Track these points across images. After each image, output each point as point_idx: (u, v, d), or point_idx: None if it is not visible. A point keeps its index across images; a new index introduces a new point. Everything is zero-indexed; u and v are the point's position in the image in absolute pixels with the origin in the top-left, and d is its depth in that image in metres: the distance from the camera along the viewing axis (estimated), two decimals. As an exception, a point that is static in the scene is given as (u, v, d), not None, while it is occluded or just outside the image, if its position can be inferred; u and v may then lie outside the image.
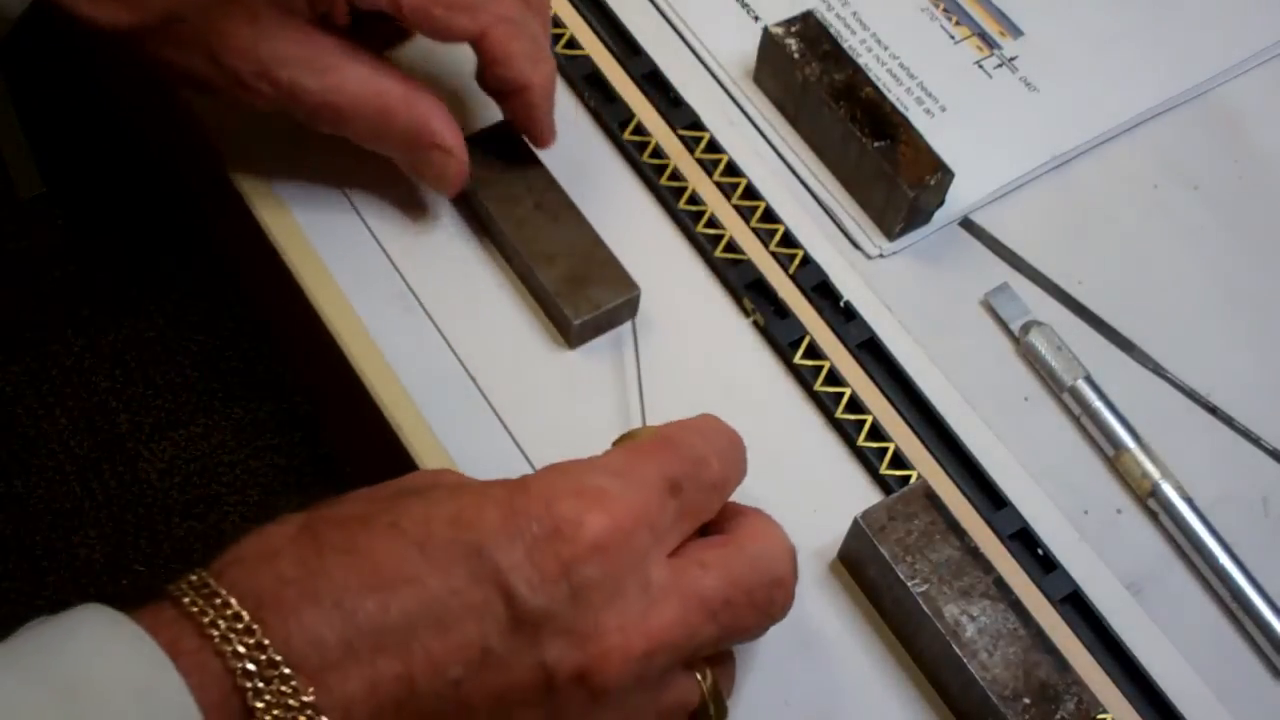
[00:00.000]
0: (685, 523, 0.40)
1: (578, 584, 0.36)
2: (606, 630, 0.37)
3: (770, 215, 0.57)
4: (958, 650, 0.45)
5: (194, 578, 0.35)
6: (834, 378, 0.53)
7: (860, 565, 0.49)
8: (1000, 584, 0.47)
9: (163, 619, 0.34)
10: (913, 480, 0.51)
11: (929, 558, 0.47)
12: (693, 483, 0.40)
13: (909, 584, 0.46)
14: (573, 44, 0.61)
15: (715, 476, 0.41)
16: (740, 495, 0.51)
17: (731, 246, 0.56)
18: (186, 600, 0.34)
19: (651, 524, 0.38)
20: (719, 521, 0.43)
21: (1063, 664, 0.46)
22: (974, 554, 0.47)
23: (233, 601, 0.34)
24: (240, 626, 0.33)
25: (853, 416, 0.53)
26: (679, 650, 0.38)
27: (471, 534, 0.36)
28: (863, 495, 0.51)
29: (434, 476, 0.41)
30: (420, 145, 0.51)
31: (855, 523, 0.48)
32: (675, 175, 0.58)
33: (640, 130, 0.59)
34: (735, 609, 0.40)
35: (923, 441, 0.53)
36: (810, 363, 0.54)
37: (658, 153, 0.58)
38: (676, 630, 0.38)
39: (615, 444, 0.48)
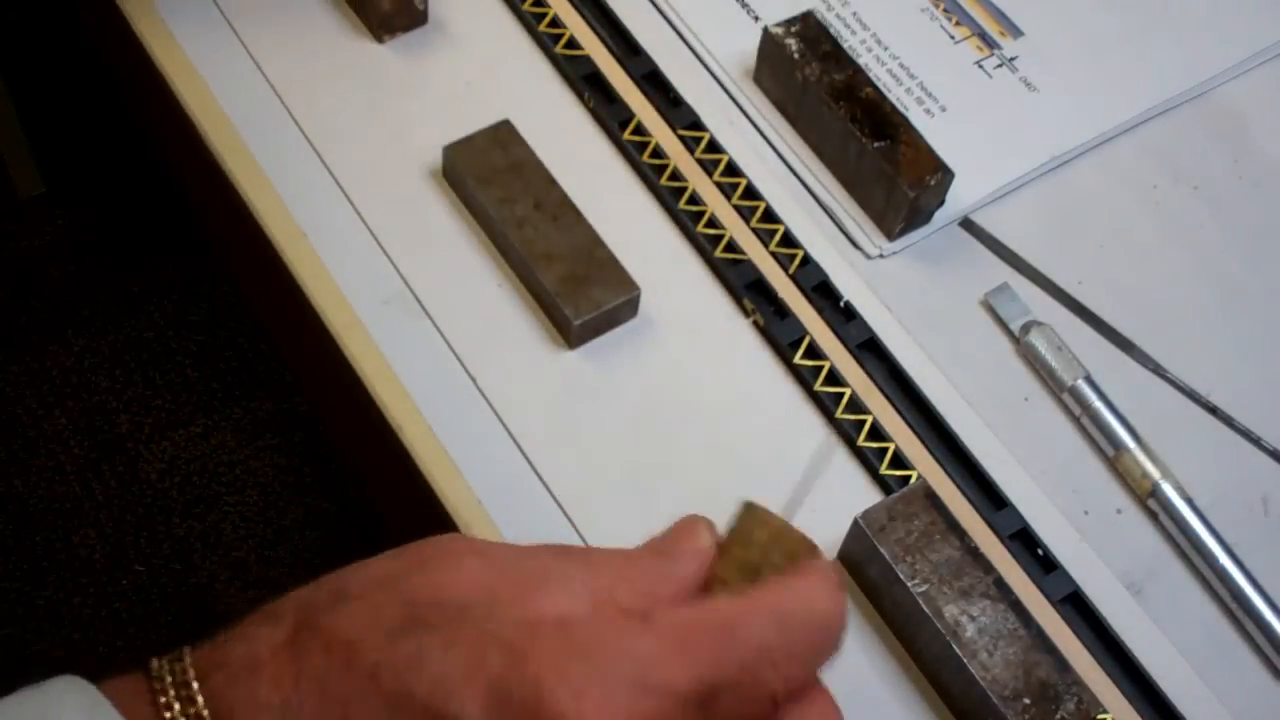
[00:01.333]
0: None
1: None
2: None
3: (770, 215, 0.57)
4: (958, 650, 0.45)
5: (178, 666, 0.35)
6: (834, 378, 0.53)
7: (860, 565, 0.49)
8: (1000, 584, 0.47)
9: (137, 708, 0.34)
10: (913, 480, 0.51)
11: (929, 558, 0.47)
12: (734, 694, 0.33)
13: (909, 584, 0.46)
14: (573, 44, 0.61)
15: (771, 689, 0.33)
16: (739, 497, 0.51)
17: (731, 246, 0.56)
18: (163, 699, 0.34)
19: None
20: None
21: (1063, 664, 0.46)
22: (974, 554, 0.47)
23: (206, 715, 0.34)
24: None
25: (853, 416, 0.53)
26: None
27: (451, 706, 0.32)
28: (863, 495, 0.51)
29: (453, 558, 0.36)
30: None
31: (855, 523, 0.48)
32: (675, 175, 0.58)
33: (640, 130, 0.59)
34: None
35: (923, 441, 0.53)
36: (810, 363, 0.54)
37: (658, 153, 0.58)
38: None
39: (739, 513, 0.38)
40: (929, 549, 0.47)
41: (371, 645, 0.34)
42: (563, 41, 0.61)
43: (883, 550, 0.47)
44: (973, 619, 0.46)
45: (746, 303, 0.55)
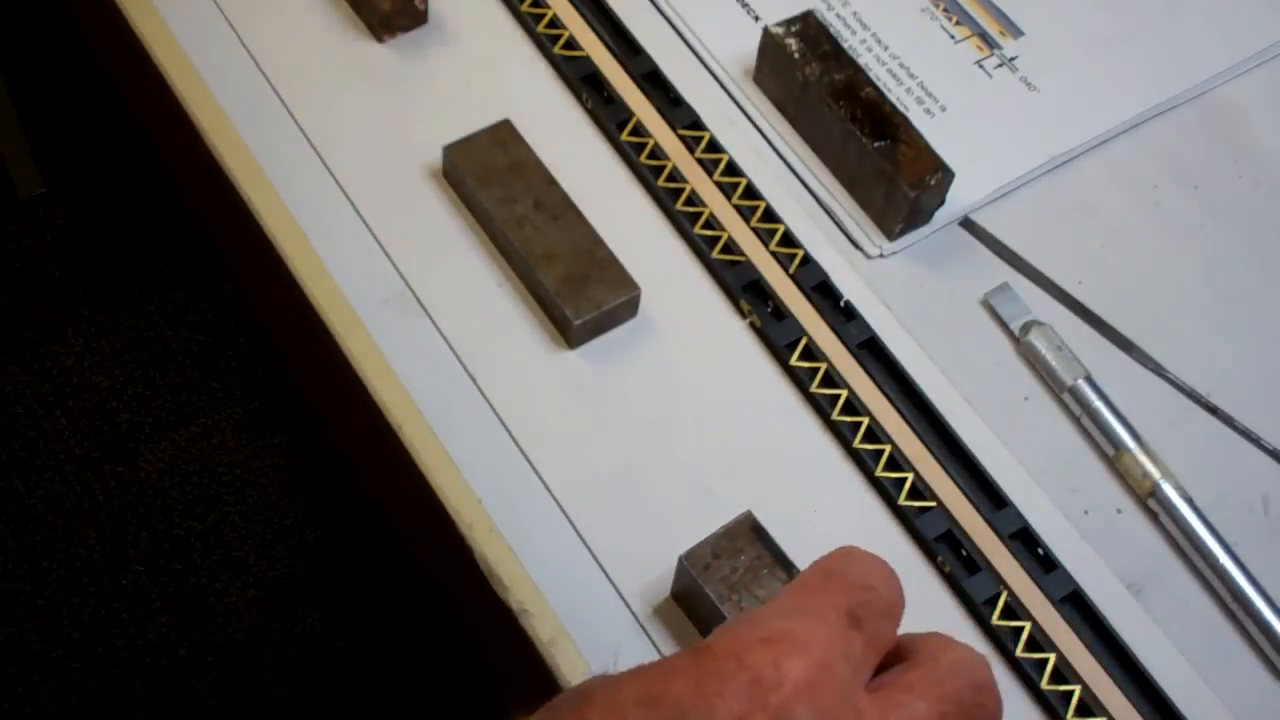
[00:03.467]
0: (872, 653, 0.38)
1: None
2: None
3: (770, 215, 0.57)
4: None
5: None
6: (830, 379, 0.53)
7: (689, 604, 0.47)
8: None
9: None
10: (908, 481, 0.51)
11: (755, 594, 0.45)
12: (868, 610, 0.38)
13: None
14: (572, 44, 0.61)
15: (887, 601, 0.39)
16: (737, 498, 0.51)
17: (729, 247, 0.56)
18: None
19: (845, 656, 0.37)
20: (899, 651, 0.40)
21: None
22: None
23: None
24: None
25: (848, 418, 0.53)
26: None
27: (668, 707, 0.34)
28: (860, 497, 0.51)
29: (590, 681, 0.38)
30: None
31: (680, 562, 0.46)
32: (673, 176, 0.58)
33: (640, 130, 0.59)
34: None
35: (923, 442, 0.53)
36: (807, 364, 0.54)
37: (655, 153, 0.58)
38: None
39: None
40: (755, 585, 0.46)
41: (565, 710, 0.35)
42: (562, 41, 0.61)
43: (708, 591, 0.45)
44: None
45: (743, 304, 0.55)
